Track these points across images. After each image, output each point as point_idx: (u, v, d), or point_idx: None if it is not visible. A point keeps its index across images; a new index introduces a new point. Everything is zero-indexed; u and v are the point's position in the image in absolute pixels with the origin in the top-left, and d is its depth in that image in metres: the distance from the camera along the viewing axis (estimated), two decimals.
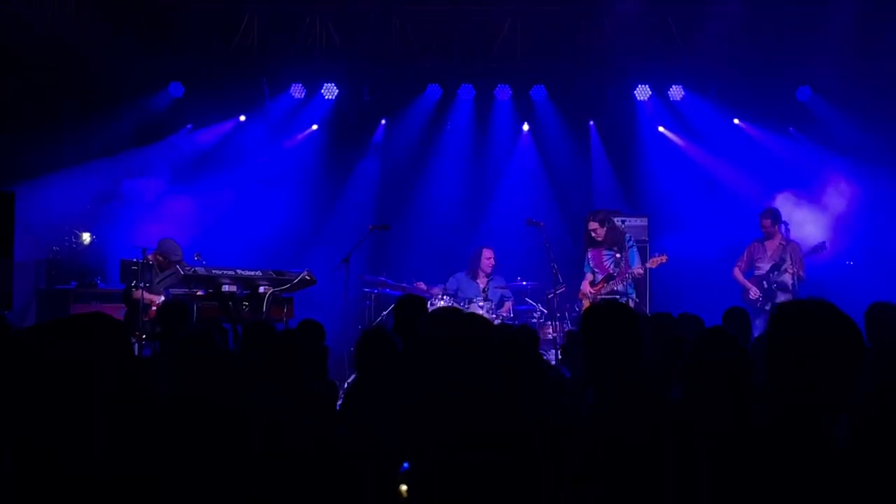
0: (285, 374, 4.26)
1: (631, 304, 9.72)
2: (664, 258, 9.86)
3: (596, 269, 10.23)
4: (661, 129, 12.42)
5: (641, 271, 9.96)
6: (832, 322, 2.18)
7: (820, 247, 10.08)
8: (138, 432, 2.88)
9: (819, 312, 2.20)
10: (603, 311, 3.43)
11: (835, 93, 11.61)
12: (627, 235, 10.27)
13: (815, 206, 11.30)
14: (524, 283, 10.74)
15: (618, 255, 10.07)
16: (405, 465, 3.02)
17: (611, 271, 10.07)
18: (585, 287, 10.28)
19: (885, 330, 5.27)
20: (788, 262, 9.97)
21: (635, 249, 10.14)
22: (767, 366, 2.17)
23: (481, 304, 10.03)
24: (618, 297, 9.76)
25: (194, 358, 3.82)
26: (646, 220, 11.63)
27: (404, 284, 10.71)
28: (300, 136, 12.54)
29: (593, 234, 10.18)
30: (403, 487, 2.92)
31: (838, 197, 11.33)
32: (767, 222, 10.27)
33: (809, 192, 11.43)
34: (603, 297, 9.97)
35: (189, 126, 12.31)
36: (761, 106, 11.90)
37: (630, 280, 9.92)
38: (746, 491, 2.10)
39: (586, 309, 3.51)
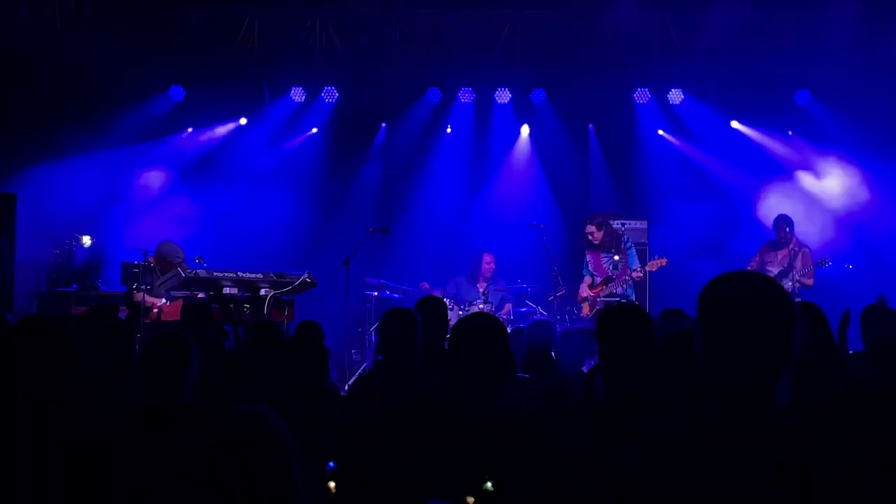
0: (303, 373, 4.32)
1: None
2: (664, 261, 9.88)
3: (595, 272, 10.26)
4: (660, 132, 12.44)
5: (641, 274, 9.98)
6: (763, 288, 2.23)
7: (821, 262, 10.07)
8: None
9: (750, 280, 2.26)
10: (619, 311, 3.59)
11: (833, 96, 11.64)
12: (625, 237, 10.30)
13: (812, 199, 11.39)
14: (524, 285, 10.76)
15: (616, 258, 10.10)
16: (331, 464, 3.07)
17: (609, 274, 10.11)
18: (584, 290, 10.31)
19: (879, 330, 5.33)
20: (797, 268, 10.00)
21: (634, 251, 10.17)
22: (705, 335, 2.23)
23: (481, 306, 10.05)
24: (616, 299, 9.79)
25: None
26: (645, 222, 11.66)
27: (405, 287, 10.73)
28: (300, 140, 12.57)
29: (590, 238, 10.22)
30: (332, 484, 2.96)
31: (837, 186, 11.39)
32: (783, 232, 10.25)
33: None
34: (602, 299, 10.00)
35: (190, 129, 12.34)
36: (760, 109, 11.94)
37: (629, 283, 9.95)
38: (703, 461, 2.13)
39: (605, 311, 3.64)
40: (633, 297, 10.06)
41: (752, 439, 2.11)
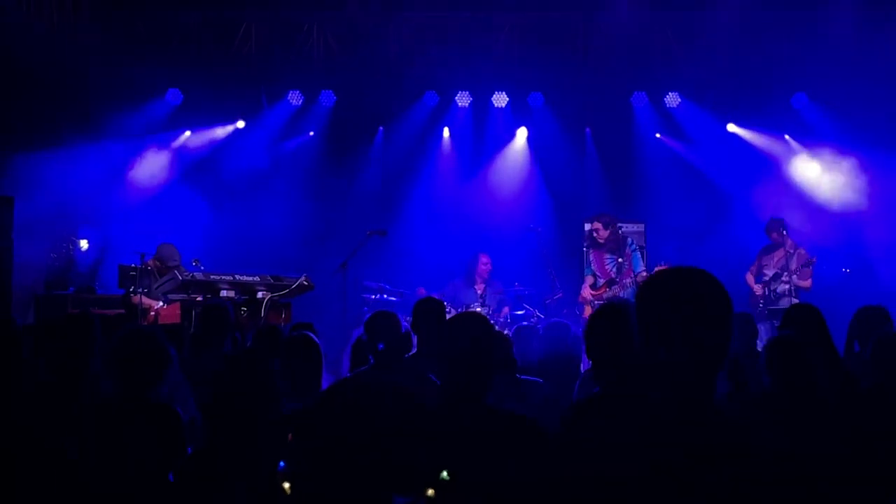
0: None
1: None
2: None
3: (597, 273, 10.26)
4: (658, 135, 12.46)
5: (644, 279, 9.94)
6: (700, 283, 2.22)
7: (808, 262, 10.08)
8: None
9: (689, 276, 2.24)
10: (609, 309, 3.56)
11: (830, 99, 11.66)
12: (630, 240, 10.30)
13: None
14: (521, 288, 10.76)
15: (620, 260, 10.09)
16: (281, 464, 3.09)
17: (612, 276, 10.10)
18: (586, 291, 10.31)
19: (871, 331, 5.33)
20: (791, 268, 9.99)
21: (639, 254, 10.17)
22: (642, 332, 2.21)
23: (479, 309, 10.05)
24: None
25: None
26: (642, 226, 11.68)
27: (402, 290, 10.73)
28: (298, 143, 12.58)
29: (595, 235, 10.21)
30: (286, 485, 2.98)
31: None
32: (774, 235, 10.28)
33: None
34: (605, 302, 9.98)
35: (187, 133, 12.34)
36: (757, 112, 11.96)
37: (633, 286, 9.95)
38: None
39: (596, 310, 3.60)
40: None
41: (697, 437, 2.09)
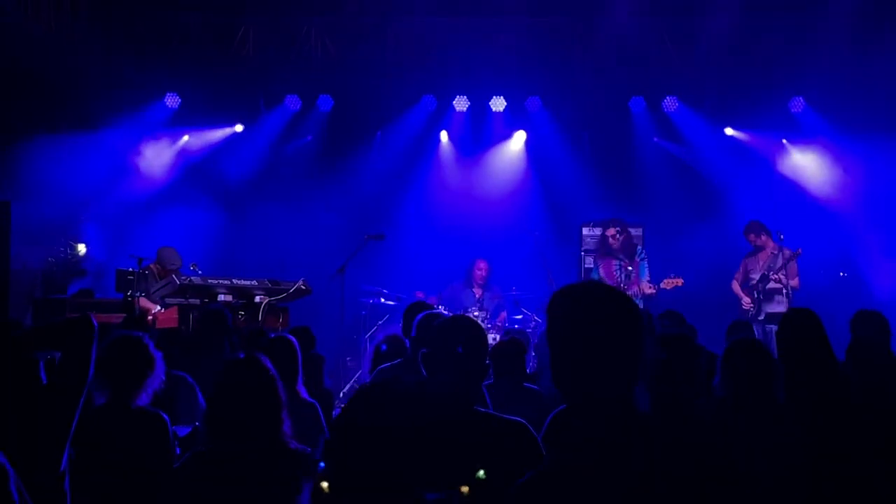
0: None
1: None
2: (679, 281, 9.80)
3: (605, 278, 10.28)
4: (655, 139, 12.48)
5: (652, 291, 9.92)
6: (598, 295, 2.19)
7: (793, 255, 10.04)
8: None
9: (593, 292, 2.22)
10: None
11: (828, 104, 11.68)
12: (640, 248, 10.31)
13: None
14: (519, 293, 10.77)
15: (629, 268, 10.09)
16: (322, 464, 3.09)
17: (620, 283, 10.12)
18: None
19: (867, 331, 5.35)
20: (775, 268, 9.99)
21: (647, 263, 10.17)
22: (554, 352, 2.19)
23: (476, 313, 10.06)
24: None
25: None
26: (640, 229, 11.68)
27: (400, 294, 10.73)
28: (296, 147, 12.59)
29: (611, 241, 10.21)
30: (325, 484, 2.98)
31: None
32: (752, 236, 10.29)
33: None
34: None
35: (186, 137, 12.35)
36: (755, 117, 11.97)
37: (639, 295, 9.95)
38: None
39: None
40: (641, 306, 10.07)
41: (625, 453, 2.07)
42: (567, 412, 2.15)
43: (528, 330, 10.00)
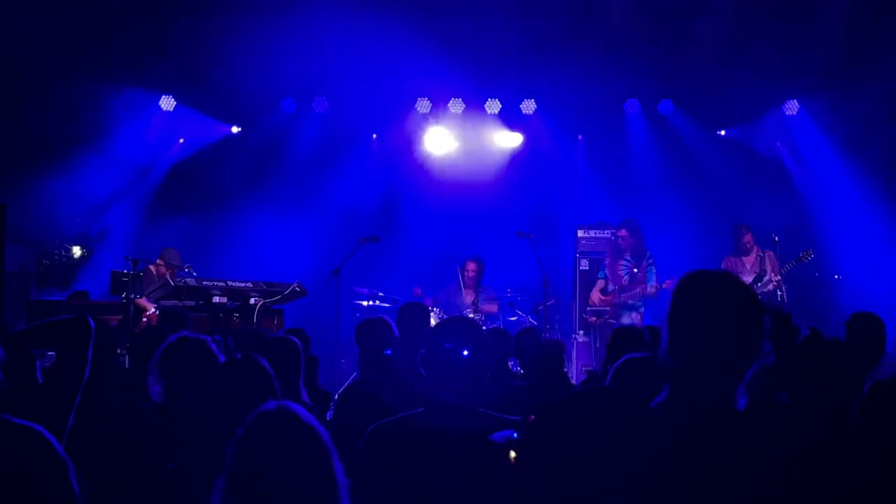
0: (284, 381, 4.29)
1: (638, 317, 9.87)
2: None
3: (610, 277, 10.30)
4: (655, 140, 12.50)
5: (654, 291, 9.96)
6: (732, 287, 2.20)
7: (805, 255, 10.04)
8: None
9: (719, 280, 2.22)
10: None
11: (822, 107, 11.71)
12: (648, 253, 10.33)
13: None
14: (514, 294, 10.77)
15: (635, 270, 10.12)
16: None
17: (624, 283, 10.15)
18: (595, 295, 10.38)
19: (864, 337, 5.34)
20: (769, 272, 10.00)
21: (654, 269, 10.20)
22: (673, 335, 2.19)
23: (471, 315, 10.06)
24: (628, 310, 9.92)
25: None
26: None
27: (395, 296, 10.73)
28: (290, 149, 12.59)
29: (621, 242, 10.27)
30: None
31: None
32: (749, 238, 10.27)
33: None
34: (613, 309, 10.09)
35: (181, 139, 12.34)
36: (749, 119, 12.00)
37: (642, 296, 10.00)
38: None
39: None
40: (643, 311, 10.11)
41: (715, 444, 2.08)
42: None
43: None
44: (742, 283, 2.24)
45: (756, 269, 10.16)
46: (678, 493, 2.03)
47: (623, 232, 10.26)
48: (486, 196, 12.55)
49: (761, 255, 10.19)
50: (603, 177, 12.49)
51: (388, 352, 5.08)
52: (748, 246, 10.30)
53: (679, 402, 2.15)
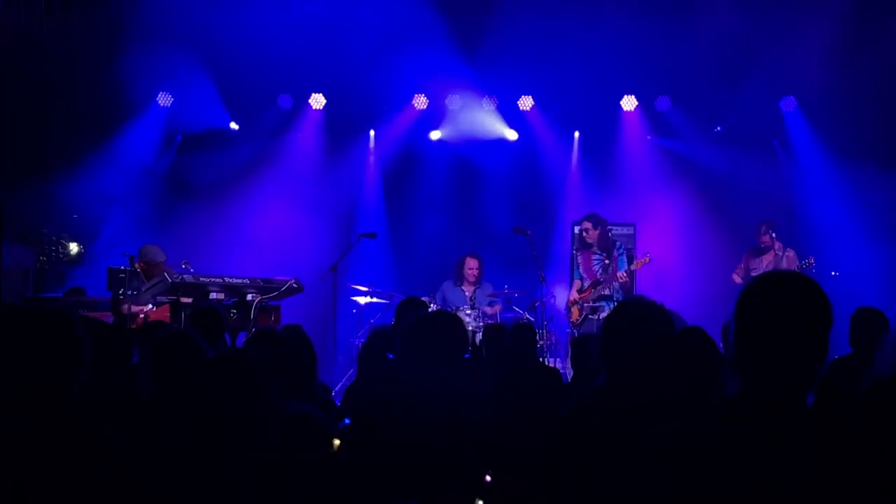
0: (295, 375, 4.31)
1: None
2: (647, 258, 9.86)
3: (584, 275, 10.30)
4: (648, 137, 12.51)
5: (626, 277, 9.97)
6: (802, 287, 2.20)
7: (806, 263, 10.03)
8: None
9: (785, 280, 2.23)
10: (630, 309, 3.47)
11: (819, 104, 11.72)
12: (618, 243, 10.34)
13: None
14: (511, 291, 10.77)
15: (606, 261, 10.14)
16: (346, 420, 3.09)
17: (598, 276, 10.14)
18: (573, 294, 10.35)
19: (869, 332, 5.34)
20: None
21: (624, 257, 10.20)
22: (739, 336, 2.20)
23: (468, 311, 10.07)
24: (605, 302, 9.86)
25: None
26: (632, 228, 11.71)
27: (392, 292, 10.73)
28: (288, 145, 12.58)
29: (585, 235, 10.26)
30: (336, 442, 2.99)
31: None
32: (766, 238, 10.25)
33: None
34: (591, 304, 10.05)
35: (179, 136, 12.33)
36: (746, 116, 12.00)
37: (617, 285, 9.98)
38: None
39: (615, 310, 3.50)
40: (622, 300, 10.07)
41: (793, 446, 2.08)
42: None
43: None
44: (812, 281, 2.23)
45: (770, 268, 10.11)
46: (749, 492, 2.04)
47: (586, 225, 10.25)
48: (483, 192, 12.56)
49: (780, 254, 10.15)
50: (599, 173, 12.50)
51: (391, 355, 5.08)
52: (765, 244, 10.26)
53: (749, 398, 2.16)
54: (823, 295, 2.20)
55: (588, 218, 10.31)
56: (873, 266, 11.20)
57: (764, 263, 10.29)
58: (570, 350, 8.21)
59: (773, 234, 10.26)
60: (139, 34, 11.29)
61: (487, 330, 6.89)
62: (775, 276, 2.25)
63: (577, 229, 10.99)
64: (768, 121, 12.08)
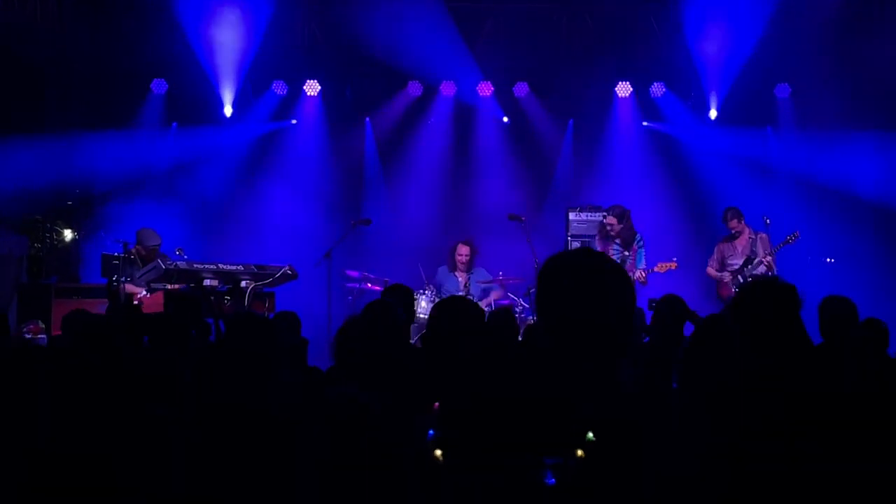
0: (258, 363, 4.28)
1: None
2: (674, 264, 9.74)
3: None
4: (645, 123, 12.49)
5: (644, 276, 9.88)
6: (599, 267, 2.21)
7: (792, 237, 10.01)
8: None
9: (585, 260, 2.24)
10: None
11: (813, 90, 11.71)
12: (639, 236, 10.27)
13: None
14: (505, 277, 10.78)
15: (625, 253, 10.10)
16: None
17: None
18: None
19: (836, 323, 5.27)
20: (761, 253, 10.03)
21: (644, 252, 10.16)
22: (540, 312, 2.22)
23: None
24: None
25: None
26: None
27: (386, 279, 10.73)
28: (282, 132, 12.56)
29: (609, 230, 10.20)
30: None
31: None
32: (734, 223, 10.27)
33: None
34: None
35: (173, 123, 12.30)
36: (740, 103, 11.99)
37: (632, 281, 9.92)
38: None
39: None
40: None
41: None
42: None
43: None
44: (612, 260, 2.28)
45: (746, 252, 10.18)
46: None
47: (611, 220, 10.19)
48: (478, 179, 12.56)
49: (753, 237, 10.20)
50: (594, 159, 12.49)
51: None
52: (736, 230, 10.28)
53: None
54: (626, 278, 2.23)
55: (612, 212, 10.20)
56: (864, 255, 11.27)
57: (739, 249, 10.27)
58: None
59: (741, 220, 10.25)
60: (133, 21, 11.29)
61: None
62: (582, 253, 2.30)
63: (581, 216, 10.97)
64: (763, 107, 12.07)
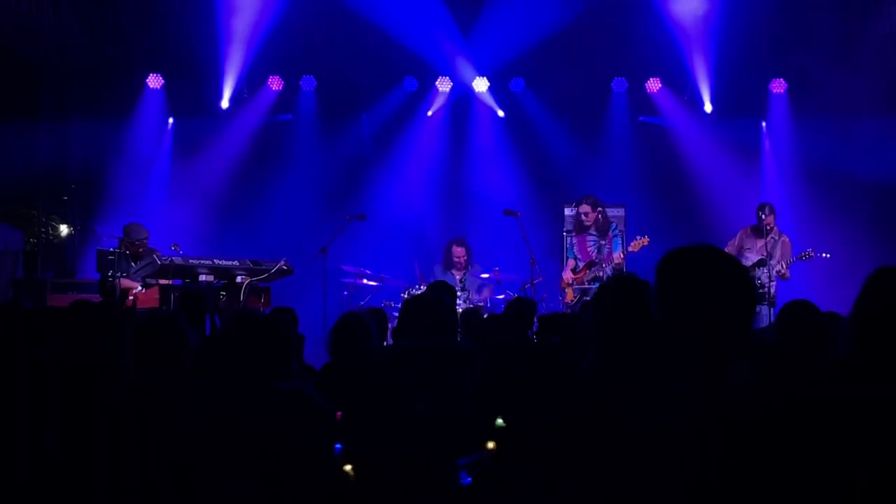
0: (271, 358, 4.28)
1: None
2: (646, 240, 9.72)
3: (579, 256, 10.31)
4: (640, 119, 12.50)
5: (621, 259, 9.97)
6: (721, 264, 2.18)
7: (804, 255, 9.85)
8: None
9: (705, 256, 2.20)
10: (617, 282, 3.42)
11: (809, 86, 11.71)
12: (613, 224, 10.35)
13: None
14: (502, 273, 10.79)
15: (602, 242, 10.15)
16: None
17: (593, 258, 10.16)
18: (567, 275, 10.36)
19: (797, 328, 5.11)
20: (777, 257, 9.81)
21: (619, 239, 10.21)
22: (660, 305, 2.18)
23: (458, 294, 10.05)
24: (599, 283, 9.84)
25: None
26: (623, 209, 11.68)
27: (382, 274, 10.74)
28: (278, 127, 12.54)
29: (584, 219, 10.25)
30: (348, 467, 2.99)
31: None
32: (771, 218, 9.89)
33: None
34: (585, 285, 10.08)
35: (170, 118, 12.28)
36: (736, 98, 12.00)
37: (611, 267, 9.98)
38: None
39: (604, 285, 3.42)
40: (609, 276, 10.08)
41: (701, 418, 2.05)
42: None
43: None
44: (737, 260, 2.23)
45: (762, 253, 9.88)
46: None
47: (585, 209, 10.24)
48: (474, 174, 12.56)
49: (776, 238, 9.96)
50: (590, 154, 12.48)
51: None
52: (769, 226, 9.98)
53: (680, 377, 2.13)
54: (748, 275, 2.19)
55: (585, 200, 10.27)
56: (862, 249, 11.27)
57: (758, 245, 10.04)
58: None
59: (772, 217, 10.05)
60: (129, 13, 11.27)
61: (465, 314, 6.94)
62: (704, 251, 2.24)
63: (573, 211, 10.94)
64: (758, 102, 12.09)
